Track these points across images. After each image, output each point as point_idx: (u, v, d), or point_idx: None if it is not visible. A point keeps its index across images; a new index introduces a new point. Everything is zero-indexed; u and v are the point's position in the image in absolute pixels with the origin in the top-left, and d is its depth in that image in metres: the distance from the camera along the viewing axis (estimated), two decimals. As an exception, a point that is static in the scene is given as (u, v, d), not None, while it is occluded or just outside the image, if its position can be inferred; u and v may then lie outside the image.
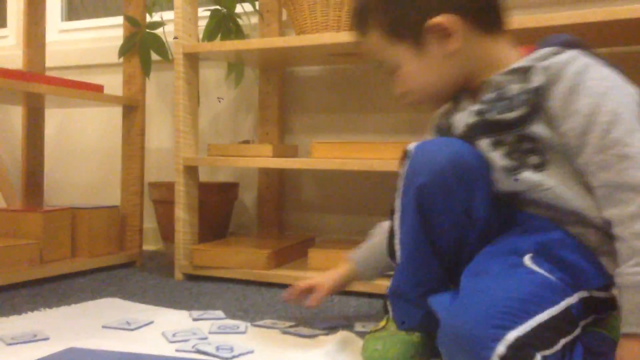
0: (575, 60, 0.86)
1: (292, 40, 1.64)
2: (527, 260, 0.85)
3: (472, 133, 0.94)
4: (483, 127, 0.93)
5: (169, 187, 1.88)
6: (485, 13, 0.96)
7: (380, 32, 0.99)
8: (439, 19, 0.93)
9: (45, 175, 2.14)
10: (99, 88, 1.86)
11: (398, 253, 0.99)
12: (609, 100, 0.82)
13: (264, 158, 1.67)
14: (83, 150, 2.53)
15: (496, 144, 0.91)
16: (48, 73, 2.10)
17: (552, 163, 0.88)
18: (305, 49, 1.67)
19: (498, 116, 0.90)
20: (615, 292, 0.84)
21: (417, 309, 0.97)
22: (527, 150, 0.89)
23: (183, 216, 1.72)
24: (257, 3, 2.03)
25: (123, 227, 1.94)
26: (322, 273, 1.23)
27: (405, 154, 0.97)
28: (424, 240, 0.94)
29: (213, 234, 1.97)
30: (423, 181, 0.91)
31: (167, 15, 2.11)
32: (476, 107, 0.94)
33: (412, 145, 0.96)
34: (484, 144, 0.93)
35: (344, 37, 1.54)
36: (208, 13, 1.98)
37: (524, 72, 0.90)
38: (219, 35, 1.97)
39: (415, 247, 0.96)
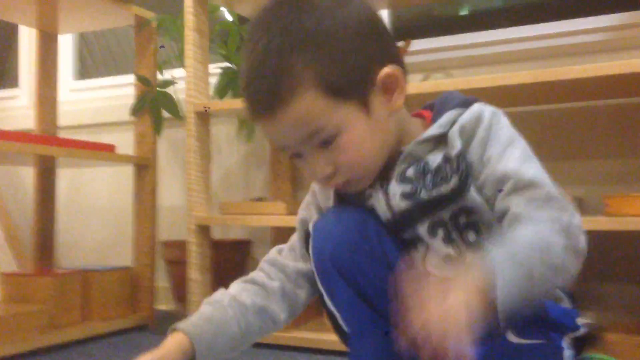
0: (483, 114, 0.82)
1: (304, 96, 1.62)
2: (512, 337, 0.79)
3: (407, 219, 0.85)
4: (418, 210, 0.84)
5: (182, 246, 1.84)
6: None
7: (317, 93, 0.78)
8: (389, 70, 0.81)
9: (56, 235, 2.12)
10: (110, 148, 1.85)
11: (346, 330, 0.90)
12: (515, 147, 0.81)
13: (278, 216, 1.64)
14: (94, 210, 2.51)
15: (434, 227, 0.84)
16: (60, 132, 2.10)
17: (484, 237, 0.82)
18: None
19: (433, 193, 0.82)
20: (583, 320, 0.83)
21: None
22: (464, 225, 0.83)
23: (195, 277, 1.68)
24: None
25: (135, 288, 1.90)
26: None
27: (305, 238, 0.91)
28: (363, 306, 0.87)
29: (226, 293, 1.92)
30: (331, 250, 0.86)
31: (178, 72, 2.11)
32: (398, 188, 0.84)
33: (309, 226, 0.91)
34: (422, 230, 0.84)
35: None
36: (219, 71, 1.99)
37: (437, 141, 0.83)
38: (230, 92, 1.97)
39: (358, 316, 0.88)
